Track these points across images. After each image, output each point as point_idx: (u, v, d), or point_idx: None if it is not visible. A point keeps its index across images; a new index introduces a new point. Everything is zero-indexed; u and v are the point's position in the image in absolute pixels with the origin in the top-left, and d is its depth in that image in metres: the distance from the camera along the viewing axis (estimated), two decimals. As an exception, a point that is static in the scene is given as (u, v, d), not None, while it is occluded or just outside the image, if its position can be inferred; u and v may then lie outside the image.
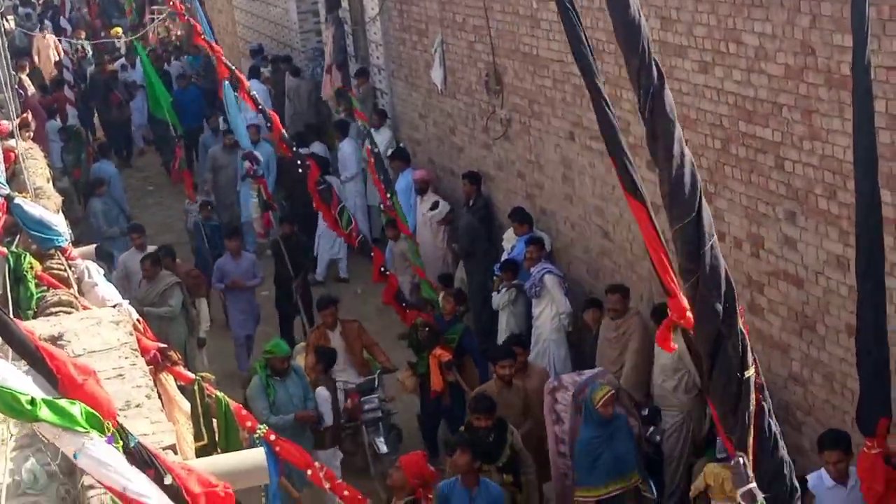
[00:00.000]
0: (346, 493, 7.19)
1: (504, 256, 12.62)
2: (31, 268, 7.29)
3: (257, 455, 5.47)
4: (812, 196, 8.36)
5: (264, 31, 23.13)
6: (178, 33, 30.05)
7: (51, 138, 19.67)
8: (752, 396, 4.49)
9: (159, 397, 5.95)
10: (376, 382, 11.24)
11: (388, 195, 13.29)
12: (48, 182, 12.49)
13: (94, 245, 9.82)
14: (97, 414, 3.43)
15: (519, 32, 12.67)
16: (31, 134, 14.07)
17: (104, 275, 8.45)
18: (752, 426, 4.53)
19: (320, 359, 10.88)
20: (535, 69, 12.48)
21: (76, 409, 3.35)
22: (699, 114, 9.61)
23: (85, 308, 6.96)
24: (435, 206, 14.33)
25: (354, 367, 11.48)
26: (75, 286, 7.67)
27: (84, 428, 3.36)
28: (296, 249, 14.02)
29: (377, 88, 17.67)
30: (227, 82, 14.92)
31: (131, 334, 6.05)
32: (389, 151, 15.85)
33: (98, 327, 6.15)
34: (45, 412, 3.28)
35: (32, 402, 3.25)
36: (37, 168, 12.15)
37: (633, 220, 10.81)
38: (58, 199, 12.24)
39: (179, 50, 26.68)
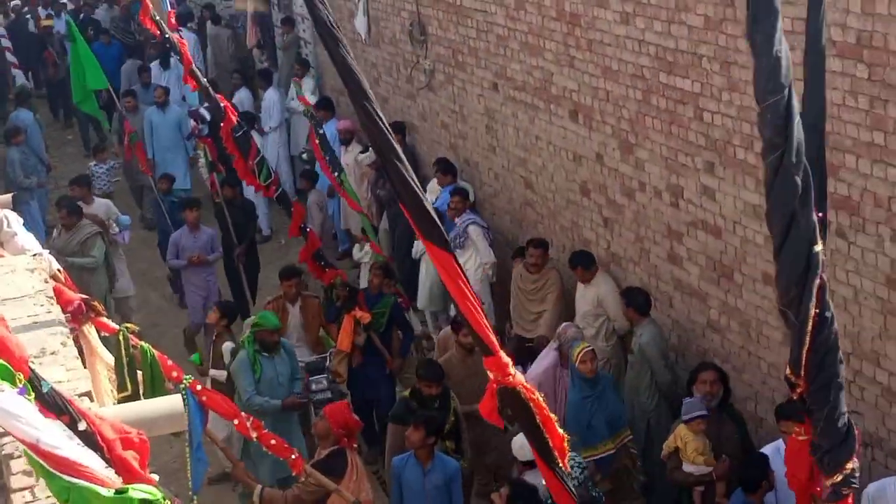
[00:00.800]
0: (272, 441, 7.17)
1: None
2: None
3: (174, 402, 5.45)
4: (730, 147, 8.47)
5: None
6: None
7: None
8: (819, 272, 4.73)
9: (80, 348, 5.91)
10: (328, 361, 10.74)
11: (336, 175, 12.82)
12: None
13: (11, 194, 9.63)
14: (7, 365, 3.35)
15: (443, -18, 12.62)
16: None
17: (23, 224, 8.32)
18: (815, 300, 4.76)
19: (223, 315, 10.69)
20: (458, 19, 12.45)
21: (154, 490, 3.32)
22: (620, 65, 9.66)
23: (0, 256, 6.86)
24: (365, 150, 14.06)
25: (308, 345, 11.07)
26: None
27: None
28: (240, 213, 13.40)
29: (301, 38, 17.50)
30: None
31: (46, 282, 5.98)
32: (313, 101, 15.75)
33: (12, 275, 6.09)
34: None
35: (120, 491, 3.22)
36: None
37: (555, 171, 10.95)
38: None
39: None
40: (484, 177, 12.61)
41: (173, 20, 13.36)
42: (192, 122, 15.20)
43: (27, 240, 7.89)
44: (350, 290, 10.89)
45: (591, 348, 8.89)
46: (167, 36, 11.97)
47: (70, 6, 25.65)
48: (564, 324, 9.58)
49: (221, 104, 11.23)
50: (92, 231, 12.43)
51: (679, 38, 8.82)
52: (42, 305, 5.62)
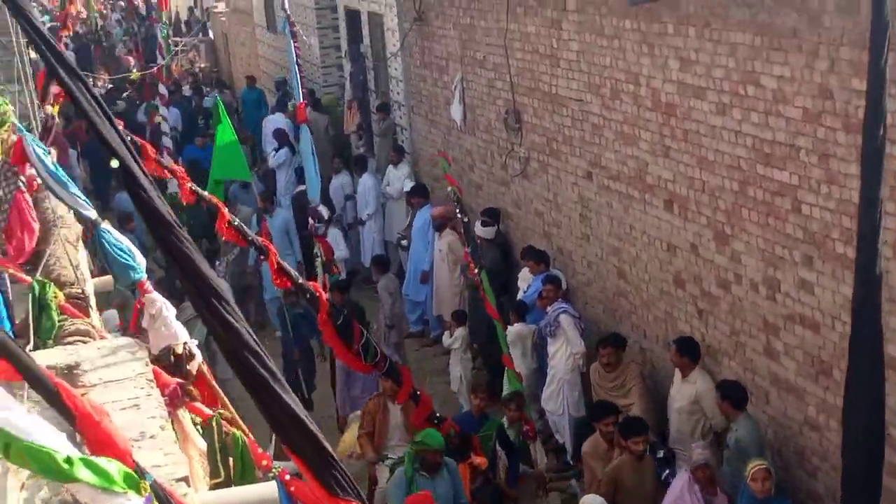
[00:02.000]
0: None
1: (520, 295, 12.60)
2: (56, 297, 7.30)
3: (268, 489, 5.43)
4: (829, 240, 8.32)
5: (287, 65, 23.26)
6: (202, 65, 30.30)
7: (71, 165, 19.88)
8: None
9: (175, 432, 5.95)
10: None
11: (477, 271, 12.51)
12: (69, 211, 12.55)
13: (110, 276, 9.84)
14: (133, 473, 3.33)
15: (538, 71, 12.70)
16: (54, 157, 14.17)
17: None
18: None
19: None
20: (553, 108, 12.50)
21: (113, 467, 3.23)
22: (717, 155, 9.59)
23: (101, 337, 6.97)
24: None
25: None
26: (148, 319, 7.69)
27: (122, 488, 3.26)
28: (348, 321, 12.98)
29: (397, 124, 17.73)
30: (305, 126, 14.22)
31: (147, 364, 6.05)
32: (408, 187, 15.91)
33: (114, 356, 6.17)
34: (83, 472, 3.12)
35: (69, 460, 3.11)
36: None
37: (649, 261, 10.86)
38: (78, 228, 12.29)
39: (196, 80, 26.81)
40: (577, 265, 12.55)
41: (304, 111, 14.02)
42: (310, 221, 14.46)
43: (179, 328, 8.04)
44: (462, 437, 10.14)
45: (764, 466, 8.38)
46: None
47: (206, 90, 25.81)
48: (693, 444, 9.34)
49: (315, 292, 10.49)
50: (193, 314, 12.52)
51: (777, 130, 8.74)
52: (142, 388, 5.68)
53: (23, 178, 10.50)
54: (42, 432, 3.08)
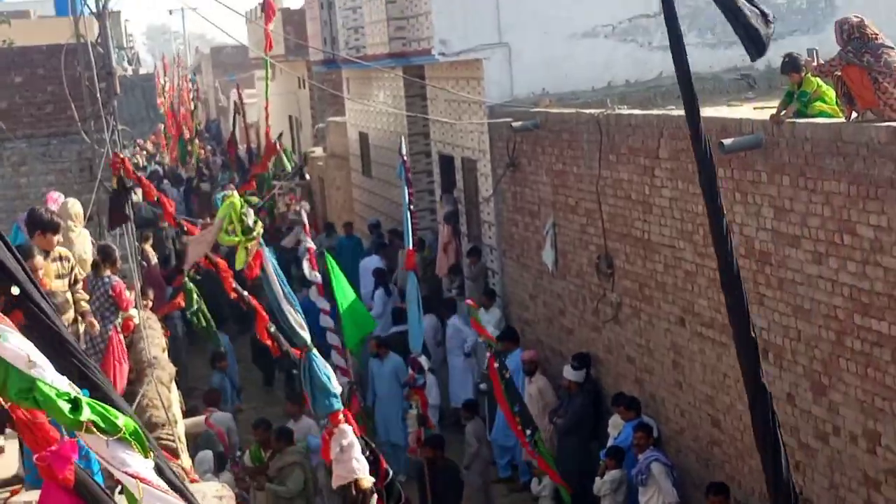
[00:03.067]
0: None
1: (610, 442, 12.43)
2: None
3: None
4: (931, 393, 8.11)
5: (379, 209, 23.69)
6: (297, 209, 30.91)
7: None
8: None
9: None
10: None
11: (527, 436, 12.43)
12: (163, 352, 12.78)
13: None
14: (140, 432, 3.28)
15: (631, 217, 12.75)
16: (150, 304, 14.48)
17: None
18: None
19: None
20: (646, 253, 12.50)
21: (121, 420, 3.22)
22: (813, 304, 9.47)
23: (192, 480, 7.03)
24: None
25: None
26: (337, 450, 7.97)
27: (127, 439, 3.22)
28: (441, 477, 12.71)
29: (488, 268, 17.84)
30: (412, 273, 13.83)
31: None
32: (498, 331, 15.91)
33: (203, 500, 6.19)
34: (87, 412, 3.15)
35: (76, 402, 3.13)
36: (154, 338, 12.46)
37: (744, 411, 10.63)
38: (172, 369, 12.50)
39: (292, 224, 27.22)
40: (669, 413, 12.36)
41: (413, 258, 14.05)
42: (409, 371, 13.91)
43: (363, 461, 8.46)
44: None
45: None
46: None
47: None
48: None
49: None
50: (293, 461, 12.54)
51: (875, 280, 8.62)
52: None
53: (119, 319, 10.78)
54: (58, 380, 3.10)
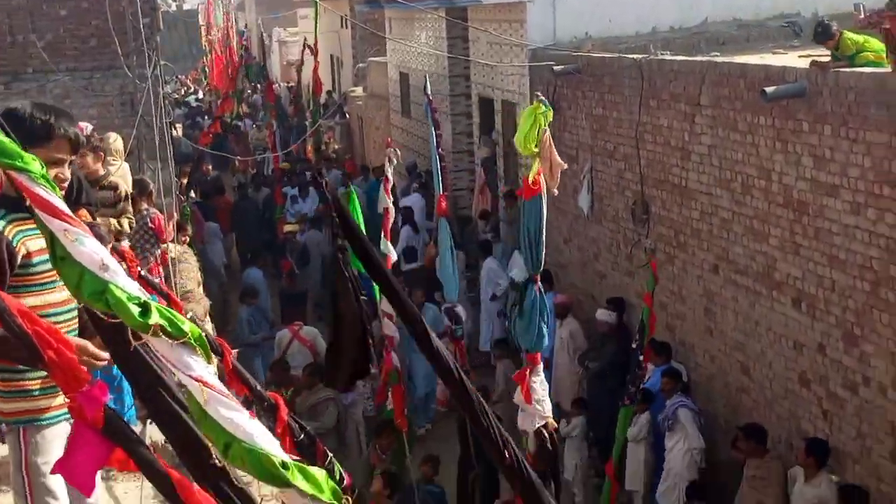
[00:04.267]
0: None
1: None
2: None
3: None
4: (964, 345, 8.11)
5: (418, 150, 23.69)
6: (337, 146, 30.99)
7: (209, 240, 20.47)
8: None
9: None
10: None
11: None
12: (198, 286, 12.92)
13: (235, 350, 10.05)
14: (337, 487, 3.35)
15: (669, 163, 12.72)
16: (187, 238, 14.61)
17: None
18: None
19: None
20: (682, 200, 12.48)
21: (321, 475, 3.23)
22: (849, 255, 9.45)
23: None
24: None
25: None
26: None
27: (329, 498, 3.29)
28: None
29: (524, 211, 17.83)
30: (444, 220, 13.21)
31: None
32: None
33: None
34: (298, 478, 3.12)
35: (285, 465, 3.11)
36: (189, 272, 12.60)
37: (774, 359, 10.68)
38: (206, 302, 12.63)
39: (331, 163, 27.32)
40: (699, 359, 12.40)
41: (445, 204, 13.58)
42: (445, 320, 13.32)
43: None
44: None
45: None
46: None
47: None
48: None
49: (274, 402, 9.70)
50: (326, 395, 12.66)
51: (912, 231, 8.59)
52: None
53: (157, 250, 10.90)
54: (263, 437, 3.14)
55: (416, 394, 15.07)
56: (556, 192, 8.73)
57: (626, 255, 14.03)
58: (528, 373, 8.61)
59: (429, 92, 14.65)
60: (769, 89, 10.15)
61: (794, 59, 11.41)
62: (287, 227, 21.51)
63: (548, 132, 8.23)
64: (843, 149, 9.45)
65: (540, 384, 8.79)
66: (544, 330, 8.76)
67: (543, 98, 8.37)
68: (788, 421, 10.61)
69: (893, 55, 9.05)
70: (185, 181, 22.37)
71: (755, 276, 11.03)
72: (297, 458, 3.28)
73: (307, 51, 27.15)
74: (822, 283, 9.88)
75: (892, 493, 9.06)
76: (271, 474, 3.10)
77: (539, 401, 8.72)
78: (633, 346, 11.95)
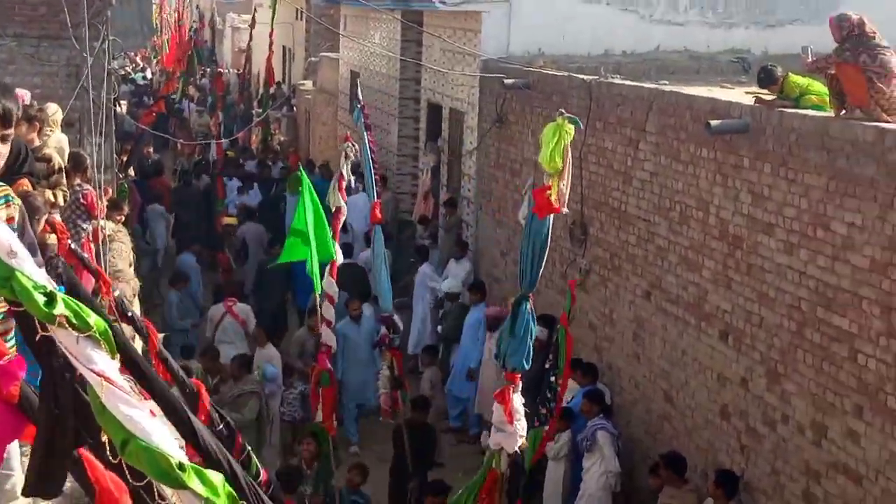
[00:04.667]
0: None
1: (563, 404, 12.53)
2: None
3: None
4: (882, 393, 8.23)
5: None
6: (283, 138, 30.80)
7: (153, 221, 20.31)
8: None
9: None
10: None
11: None
12: (130, 266, 12.73)
13: (164, 335, 9.92)
14: (233, 492, 3.30)
15: (610, 186, 12.79)
16: (122, 217, 14.42)
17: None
18: None
19: None
20: (621, 224, 12.55)
21: (219, 480, 3.20)
22: (778, 293, 9.56)
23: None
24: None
25: None
26: None
27: (224, 502, 3.24)
28: (423, 440, 12.47)
29: (464, 220, 17.87)
30: (378, 227, 12.99)
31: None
32: (468, 283, 16.00)
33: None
34: (194, 481, 3.10)
35: (182, 467, 3.09)
36: (121, 251, 12.42)
37: (697, 389, 10.77)
38: (136, 283, 12.45)
39: (276, 155, 27.12)
40: (624, 383, 12.48)
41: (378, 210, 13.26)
42: (382, 330, 13.21)
43: None
44: None
45: None
46: None
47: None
48: None
49: (196, 389, 8.71)
50: (250, 389, 12.61)
51: (842, 276, 8.71)
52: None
53: (89, 226, 10.73)
54: (161, 437, 3.10)
55: (346, 405, 14.96)
56: (565, 210, 8.54)
57: (561, 274, 14.09)
58: (510, 392, 8.35)
59: (360, 96, 14.40)
60: (714, 123, 10.24)
61: (741, 95, 11.52)
62: (226, 220, 21.25)
63: (569, 151, 7.98)
64: (782, 188, 9.56)
65: (519, 403, 8.59)
66: (531, 350, 8.62)
67: (570, 115, 8.05)
68: (707, 452, 10.70)
69: (837, 101, 9.17)
70: (124, 159, 22.08)
71: (685, 305, 11.13)
72: (199, 460, 3.23)
73: (255, 38, 26.95)
74: (751, 318, 9.99)
75: (801, 532, 9.18)
76: (167, 474, 3.07)
77: (519, 420, 8.53)
78: (547, 366, 12.05)
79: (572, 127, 7.98)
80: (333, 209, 12.62)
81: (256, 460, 7.98)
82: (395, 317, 13.12)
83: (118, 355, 3.14)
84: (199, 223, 21.93)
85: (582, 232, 13.48)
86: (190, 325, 16.39)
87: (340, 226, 12.64)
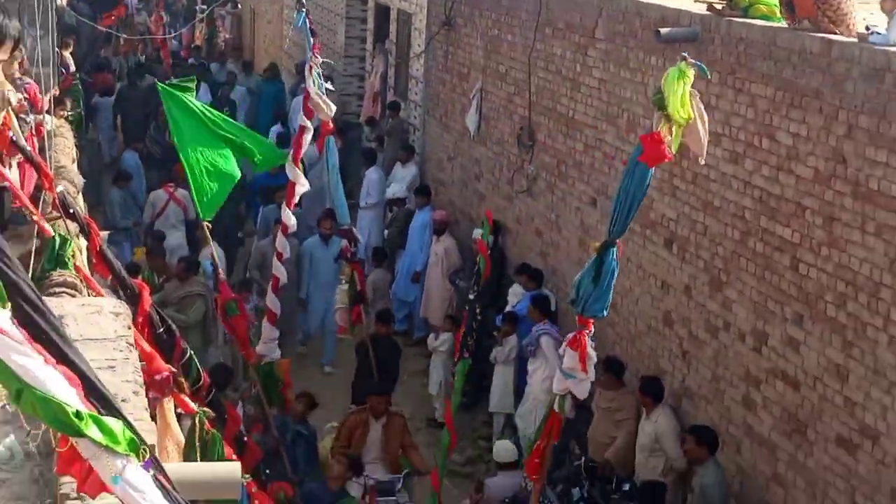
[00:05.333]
0: None
1: (508, 309, 12.66)
2: (73, 256, 7.21)
3: (228, 468, 5.40)
4: (822, 302, 8.38)
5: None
6: (227, 37, 30.27)
7: (102, 113, 20.07)
8: None
9: (155, 419, 5.93)
10: (400, 483, 10.51)
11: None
12: (73, 163, 12.53)
13: (107, 233, 9.81)
14: (134, 437, 3.30)
15: (558, 92, 12.76)
16: (65, 113, 14.17)
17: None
18: None
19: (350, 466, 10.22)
20: (568, 131, 12.55)
21: (118, 427, 3.16)
22: (723, 202, 9.65)
23: (97, 293, 6.93)
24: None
25: (385, 464, 10.69)
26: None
27: (125, 450, 3.23)
28: (388, 354, 12.53)
29: (411, 124, 17.77)
30: (330, 138, 11.90)
31: (129, 328, 6.05)
32: (413, 187, 15.97)
33: (98, 316, 6.17)
34: (91, 428, 3.06)
35: (78, 415, 3.04)
36: (64, 147, 12.22)
37: (641, 296, 10.91)
38: (80, 180, 12.27)
39: (223, 56, 26.65)
40: (569, 289, 12.56)
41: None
42: (342, 242, 12.82)
43: None
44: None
45: None
46: None
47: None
48: None
49: (137, 290, 8.34)
50: (196, 291, 12.56)
51: (785, 186, 8.80)
52: (121, 351, 5.68)
53: (31, 119, 10.53)
54: (57, 385, 3.06)
55: (311, 325, 14.90)
56: (702, 160, 7.89)
57: (508, 180, 14.10)
58: (585, 337, 7.95)
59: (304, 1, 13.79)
60: (663, 31, 10.20)
61: (691, 3, 11.46)
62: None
63: (697, 97, 7.19)
64: (728, 97, 9.59)
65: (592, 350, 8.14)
66: (610, 296, 7.97)
67: (695, 61, 7.19)
68: (648, 358, 10.88)
69: (787, 12, 9.16)
70: (66, 53, 21.60)
71: (631, 213, 11.18)
72: (95, 407, 3.20)
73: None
74: (695, 227, 10.08)
75: (740, 436, 9.39)
76: (63, 423, 3.04)
77: (591, 368, 8.14)
78: (471, 296, 12.09)
79: (693, 71, 7.14)
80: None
81: (198, 364, 7.93)
82: (354, 229, 12.76)
83: (9, 304, 3.09)
84: (145, 124, 21.54)
85: (529, 138, 13.47)
86: (132, 224, 16.28)
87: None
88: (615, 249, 7.72)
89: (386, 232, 16.26)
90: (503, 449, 10.49)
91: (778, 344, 8.91)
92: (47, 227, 7.38)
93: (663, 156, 7.05)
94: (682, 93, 7.04)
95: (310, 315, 14.78)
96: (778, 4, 9.36)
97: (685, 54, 7.22)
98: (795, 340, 8.69)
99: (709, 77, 7.59)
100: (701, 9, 10.31)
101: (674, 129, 7.08)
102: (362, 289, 12.40)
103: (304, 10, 13.37)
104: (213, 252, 11.26)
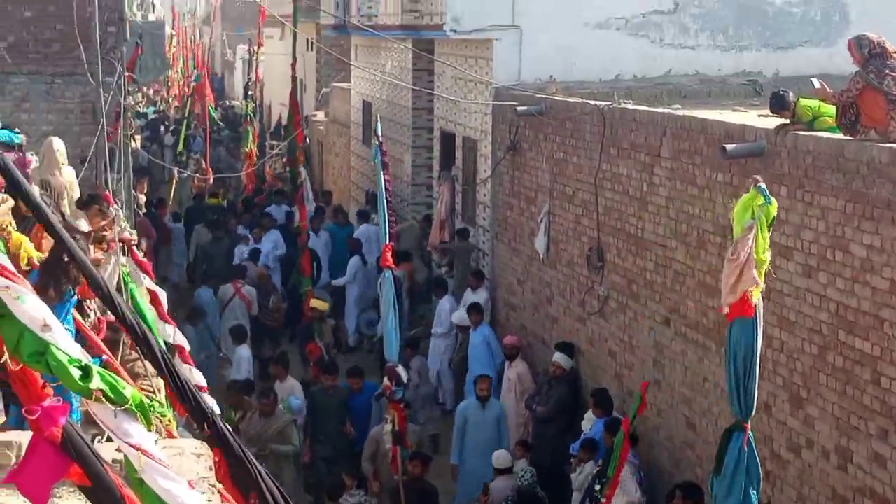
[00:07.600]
0: None
1: (582, 436, 12.45)
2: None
3: None
4: (907, 416, 8.15)
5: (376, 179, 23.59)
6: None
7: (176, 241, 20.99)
8: None
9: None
10: None
11: None
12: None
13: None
14: (145, 403, 3.26)
15: (626, 212, 12.76)
16: (142, 253, 14.44)
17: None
18: None
19: None
20: (638, 250, 12.51)
21: (129, 391, 3.22)
22: (798, 317, 9.50)
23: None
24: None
25: None
26: None
27: (133, 410, 3.19)
28: (419, 499, 12.06)
29: (480, 249, 17.82)
30: (389, 272, 12.39)
31: (211, 469, 6.04)
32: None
33: (180, 458, 6.17)
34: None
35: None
36: (141, 291, 12.40)
37: (720, 415, 10.69)
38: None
39: (281, 196, 26.94)
40: (646, 411, 12.37)
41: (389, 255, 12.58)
42: (385, 381, 12.52)
43: None
44: None
45: None
46: None
47: None
48: None
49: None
50: (289, 419, 12.71)
51: (862, 299, 8.65)
52: (204, 493, 5.65)
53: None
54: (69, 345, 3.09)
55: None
56: (726, 309, 7.15)
57: (579, 301, 14.04)
58: None
59: (380, 133, 14.27)
60: (729, 146, 10.20)
61: (754, 118, 11.49)
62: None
63: (752, 232, 6.70)
64: (798, 211, 9.52)
65: None
66: (752, 496, 7.18)
67: (762, 186, 6.83)
68: (730, 479, 10.59)
69: (848, 128, 9.05)
70: (141, 195, 22.16)
71: (705, 331, 11.06)
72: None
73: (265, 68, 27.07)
74: (772, 343, 9.91)
75: (829, 558, 9.08)
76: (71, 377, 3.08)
77: None
78: (594, 472, 11.67)
79: (772, 207, 6.81)
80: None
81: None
82: (400, 368, 12.45)
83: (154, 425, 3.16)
84: (218, 258, 21.73)
85: (599, 258, 13.44)
86: (204, 357, 16.41)
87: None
88: (743, 435, 7.08)
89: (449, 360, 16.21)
90: (501, 456, 12.27)
91: (864, 461, 8.65)
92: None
93: (744, 307, 6.77)
94: (764, 234, 6.79)
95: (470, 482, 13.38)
96: (836, 119, 9.27)
97: (757, 177, 7.05)
98: (882, 457, 8.43)
99: (771, 203, 7.05)
100: (764, 123, 10.31)
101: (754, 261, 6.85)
102: (402, 429, 12.10)
103: (378, 142, 13.72)
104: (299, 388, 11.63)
